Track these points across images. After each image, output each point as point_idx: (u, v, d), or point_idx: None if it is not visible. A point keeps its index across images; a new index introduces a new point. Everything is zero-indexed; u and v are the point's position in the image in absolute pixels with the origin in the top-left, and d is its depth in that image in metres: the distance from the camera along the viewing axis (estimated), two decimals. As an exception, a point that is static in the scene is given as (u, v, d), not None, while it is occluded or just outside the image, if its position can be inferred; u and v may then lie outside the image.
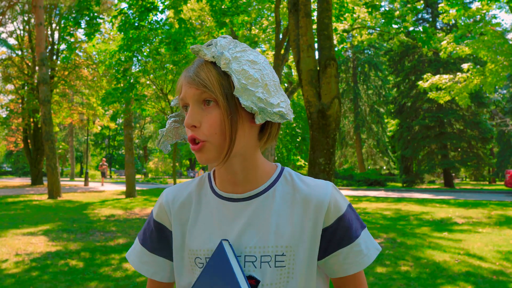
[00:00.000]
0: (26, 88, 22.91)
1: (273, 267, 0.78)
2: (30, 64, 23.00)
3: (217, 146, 0.75)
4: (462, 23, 12.80)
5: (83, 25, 7.76)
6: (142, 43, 8.91)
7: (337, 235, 0.82)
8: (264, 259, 0.79)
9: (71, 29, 8.13)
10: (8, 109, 25.24)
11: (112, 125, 26.34)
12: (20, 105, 24.32)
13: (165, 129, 0.88)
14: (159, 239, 0.89)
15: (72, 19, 7.63)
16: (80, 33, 26.00)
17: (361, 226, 0.86)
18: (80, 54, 22.58)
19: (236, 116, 0.75)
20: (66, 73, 22.59)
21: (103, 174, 24.37)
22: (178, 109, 0.91)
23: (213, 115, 0.75)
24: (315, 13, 7.48)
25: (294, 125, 24.06)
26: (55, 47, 23.90)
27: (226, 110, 0.74)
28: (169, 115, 0.90)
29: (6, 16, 23.42)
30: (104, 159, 23.97)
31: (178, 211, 0.87)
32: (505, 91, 36.98)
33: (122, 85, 9.19)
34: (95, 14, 7.70)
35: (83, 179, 33.56)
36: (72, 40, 8.29)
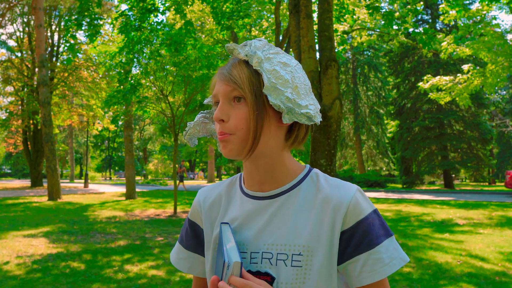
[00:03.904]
0: (25, 90, 22.90)
1: (290, 266, 0.78)
2: (29, 65, 23.00)
3: (241, 140, 0.77)
4: (462, 24, 12.81)
5: (84, 27, 7.75)
6: (143, 44, 8.90)
7: (355, 239, 0.78)
8: (280, 256, 0.78)
9: (72, 30, 8.12)
10: (8, 111, 25.22)
11: (112, 127, 26.30)
12: (20, 107, 24.31)
13: (193, 122, 0.91)
14: (193, 236, 0.95)
15: (74, 21, 7.62)
16: (80, 35, 25.98)
17: (386, 234, 0.80)
18: (80, 56, 22.58)
19: (263, 113, 0.77)
20: (66, 74, 22.59)
21: (182, 178, 21.65)
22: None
23: (242, 111, 0.77)
24: (315, 14, 7.49)
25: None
26: (55, 48, 23.91)
27: (253, 107, 0.76)
28: (200, 111, 0.93)
29: (6, 18, 23.42)
30: (183, 161, 20.89)
31: (208, 209, 0.92)
32: (504, 92, 37.01)
33: (123, 87, 9.18)
34: (96, 15, 7.70)
35: (82, 181, 33.54)
36: (72, 42, 8.23)
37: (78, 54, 21.77)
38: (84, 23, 7.61)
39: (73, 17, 7.89)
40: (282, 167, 0.83)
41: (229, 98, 0.78)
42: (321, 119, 0.83)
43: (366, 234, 0.78)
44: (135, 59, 9.34)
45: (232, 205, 0.89)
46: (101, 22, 7.99)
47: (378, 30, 13.48)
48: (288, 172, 0.84)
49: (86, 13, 7.44)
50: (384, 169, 33.18)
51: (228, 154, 0.79)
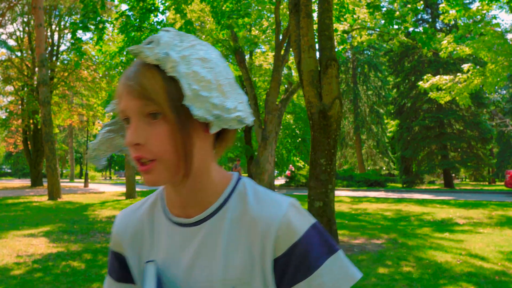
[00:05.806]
0: (25, 89, 22.92)
1: None
2: (29, 65, 23.01)
3: (169, 165, 0.63)
4: (462, 24, 12.82)
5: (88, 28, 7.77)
6: (143, 44, 8.91)
7: (292, 266, 0.66)
8: None
9: (77, 33, 8.14)
10: (8, 110, 25.24)
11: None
12: (20, 107, 24.33)
13: (97, 142, 0.74)
14: (120, 268, 0.81)
15: (80, 24, 7.62)
16: (80, 34, 25.95)
17: (329, 251, 0.67)
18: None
19: (188, 127, 0.63)
20: (66, 74, 22.61)
21: None
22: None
23: (162, 129, 0.62)
24: (315, 14, 7.50)
25: (294, 126, 24.09)
26: (55, 48, 23.91)
27: (176, 124, 0.62)
28: (104, 123, 0.76)
29: (6, 18, 23.42)
30: (238, 160, 20.01)
31: (130, 240, 0.78)
32: (504, 92, 37.03)
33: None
34: (102, 17, 7.72)
35: (82, 180, 33.55)
36: (75, 43, 8.27)
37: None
38: (90, 26, 7.62)
39: (78, 20, 7.88)
40: (207, 185, 0.70)
41: (142, 114, 0.62)
42: (253, 118, 0.70)
43: (304, 258, 0.66)
44: (135, 59, 9.36)
45: (157, 235, 0.75)
46: (107, 25, 8.02)
47: (378, 29, 13.48)
48: (214, 189, 0.71)
49: (91, 15, 7.44)
50: (384, 168, 33.20)
51: (154, 184, 0.65)
